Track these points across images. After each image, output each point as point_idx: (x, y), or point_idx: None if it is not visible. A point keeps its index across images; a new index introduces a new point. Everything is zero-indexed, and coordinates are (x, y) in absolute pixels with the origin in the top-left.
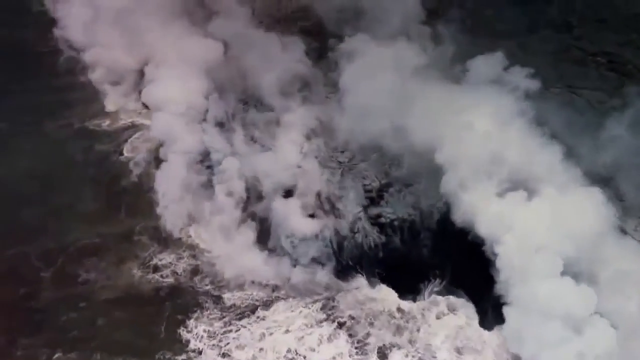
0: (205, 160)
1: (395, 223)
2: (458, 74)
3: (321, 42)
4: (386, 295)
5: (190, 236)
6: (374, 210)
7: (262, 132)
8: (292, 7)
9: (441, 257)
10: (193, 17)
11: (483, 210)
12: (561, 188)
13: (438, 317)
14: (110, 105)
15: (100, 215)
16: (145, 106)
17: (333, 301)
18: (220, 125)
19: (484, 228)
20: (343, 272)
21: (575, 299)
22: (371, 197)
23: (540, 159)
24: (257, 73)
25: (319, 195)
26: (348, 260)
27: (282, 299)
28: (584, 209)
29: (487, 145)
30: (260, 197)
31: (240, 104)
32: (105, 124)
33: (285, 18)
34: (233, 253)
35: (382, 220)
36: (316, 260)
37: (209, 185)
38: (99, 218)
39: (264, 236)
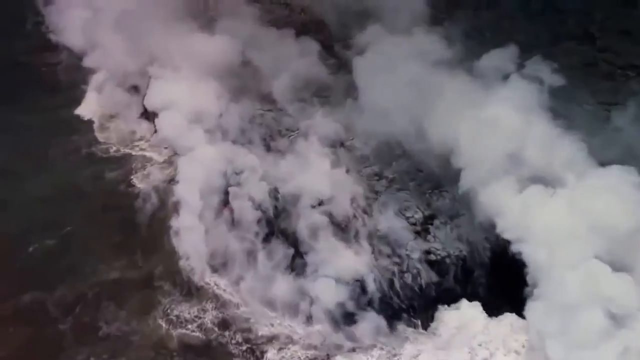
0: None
1: (447, 260)
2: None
3: (328, 44)
4: None
5: (215, 285)
6: (422, 246)
7: (283, 145)
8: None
9: (498, 297)
10: (199, 18)
11: (505, 205)
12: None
13: None
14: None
15: (116, 256)
16: (155, 131)
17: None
18: (236, 133)
19: (507, 224)
20: (395, 316)
21: (612, 287)
22: (416, 230)
23: (564, 153)
24: (273, 76)
25: (359, 231)
26: (400, 304)
27: (333, 355)
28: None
29: (508, 139)
30: (288, 233)
31: (257, 109)
32: (113, 149)
33: (290, 20)
34: (266, 305)
35: (432, 257)
36: (363, 306)
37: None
38: (114, 260)
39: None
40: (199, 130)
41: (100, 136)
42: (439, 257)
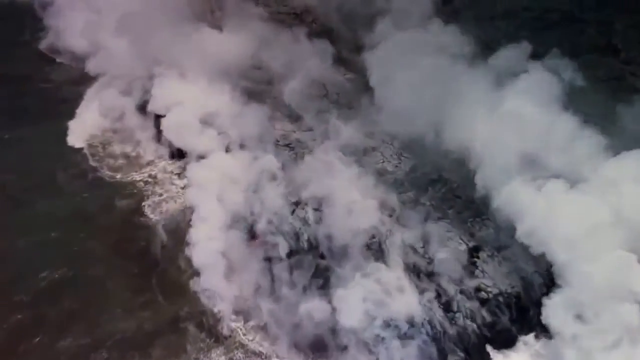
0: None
1: (500, 298)
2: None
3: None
4: None
5: (243, 331)
6: (470, 282)
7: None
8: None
9: None
10: (206, 19)
11: (525, 205)
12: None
13: None
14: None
15: (136, 296)
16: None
17: None
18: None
19: (528, 226)
20: None
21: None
22: (463, 265)
23: (582, 147)
24: (285, 78)
25: (401, 266)
26: (452, 348)
27: None
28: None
29: (524, 136)
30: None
31: (270, 115)
32: (119, 174)
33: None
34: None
35: (483, 295)
36: (411, 351)
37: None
38: (135, 301)
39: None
40: (212, 134)
41: (105, 159)
42: (490, 294)
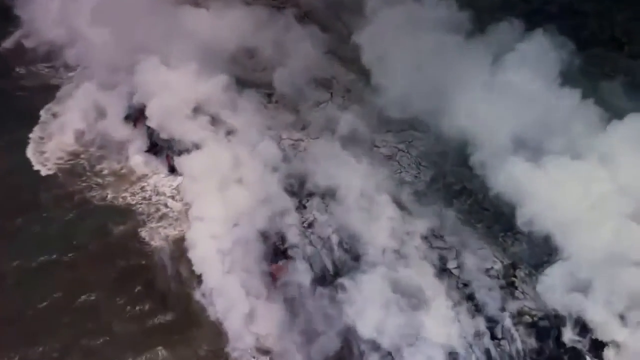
0: None
1: (546, 322)
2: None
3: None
4: None
5: None
6: (511, 305)
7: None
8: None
9: None
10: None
11: (525, 181)
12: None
13: None
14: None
15: (149, 338)
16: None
17: None
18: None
19: (530, 210)
20: None
21: None
22: (500, 285)
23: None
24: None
25: (435, 288)
26: None
27: None
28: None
29: (523, 112)
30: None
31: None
32: (108, 195)
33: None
34: None
35: (527, 318)
36: None
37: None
38: (148, 343)
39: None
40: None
41: (92, 177)
42: (535, 318)
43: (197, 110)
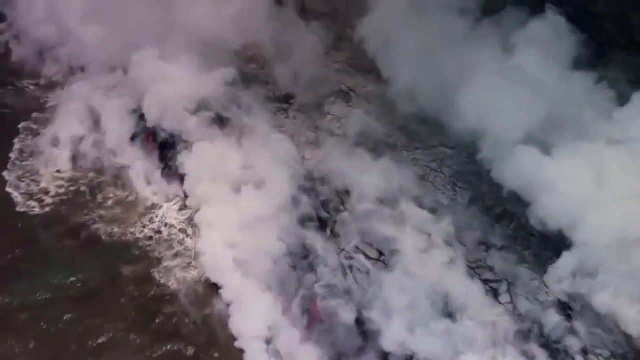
0: None
1: None
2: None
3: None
4: None
5: None
6: (574, 344)
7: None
8: None
9: None
10: None
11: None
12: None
13: None
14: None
15: None
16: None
17: None
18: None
19: (549, 208)
20: None
21: None
22: (557, 322)
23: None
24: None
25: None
26: None
27: None
28: None
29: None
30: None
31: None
32: (115, 230)
33: None
34: None
35: (592, 358)
36: None
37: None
38: None
39: None
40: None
41: (95, 210)
42: (600, 357)
43: (199, 106)
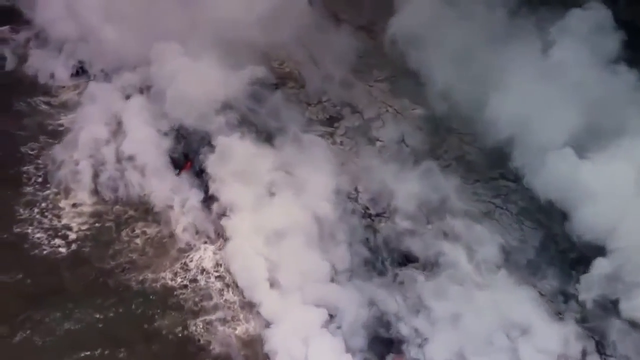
0: None
1: None
2: None
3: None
4: None
5: None
6: None
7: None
8: None
9: None
10: None
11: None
12: None
13: None
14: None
15: None
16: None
17: None
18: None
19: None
20: None
21: None
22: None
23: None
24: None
25: None
26: None
27: None
28: None
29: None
30: None
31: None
32: (148, 276)
33: None
34: None
35: None
36: None
37: None
38: None
39: None
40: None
41: (123, 251)
42: None
43: (225, 105)
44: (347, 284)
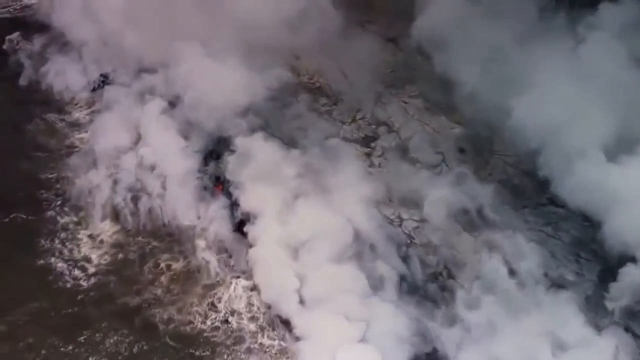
0: None
1: None
2: None
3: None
4: None
5: None
6: None
7: None
8: None
9: None
10: None
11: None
12: None
13: None
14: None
15: None
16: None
17: None
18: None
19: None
20: None
21: None
22: None
23: None
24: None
25: None
26: None
27: None
28: None
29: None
30: None
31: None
32: (175, 316)
33: None
34: None
35: None
36: None
37: None
38: None
39: None
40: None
41: (147, 286)
42: None
43: (247, 110)
44: (386, 298)
